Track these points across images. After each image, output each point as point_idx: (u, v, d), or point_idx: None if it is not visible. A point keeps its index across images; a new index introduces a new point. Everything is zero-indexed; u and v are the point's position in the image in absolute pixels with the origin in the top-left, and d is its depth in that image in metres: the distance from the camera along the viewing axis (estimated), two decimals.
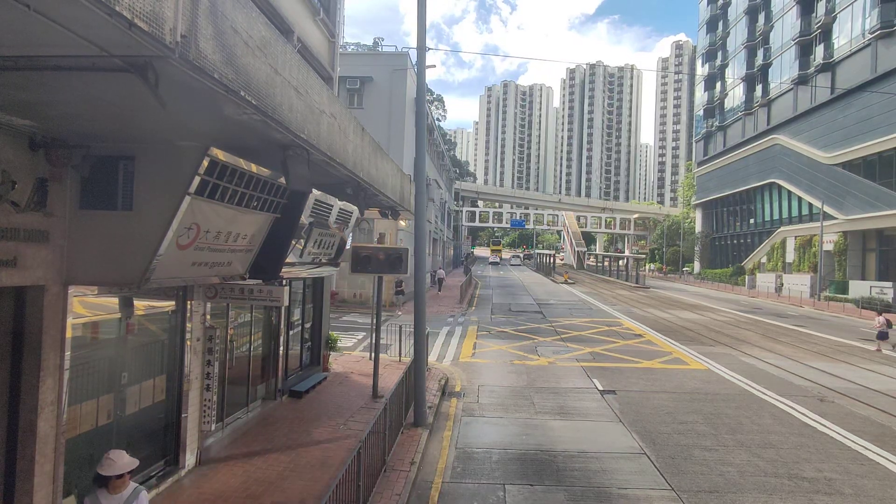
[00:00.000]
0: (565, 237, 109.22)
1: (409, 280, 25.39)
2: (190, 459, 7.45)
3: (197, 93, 3.31)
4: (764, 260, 51.97)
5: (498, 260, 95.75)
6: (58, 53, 2.84)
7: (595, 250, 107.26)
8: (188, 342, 7.25)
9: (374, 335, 11.74)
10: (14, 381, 4.85)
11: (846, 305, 34.97)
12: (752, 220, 57.05)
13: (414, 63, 26.67)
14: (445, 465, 8.30)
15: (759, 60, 56.13)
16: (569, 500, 7.23)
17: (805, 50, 47.98)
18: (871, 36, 38.24)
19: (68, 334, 5.17)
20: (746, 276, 52.96)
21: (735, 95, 62.17)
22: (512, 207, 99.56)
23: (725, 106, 65.10)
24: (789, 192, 48.76)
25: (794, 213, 48.43)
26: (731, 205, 62.04)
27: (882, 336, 19.84)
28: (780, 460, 8.76)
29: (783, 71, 51.19)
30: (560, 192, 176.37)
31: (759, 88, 56.25)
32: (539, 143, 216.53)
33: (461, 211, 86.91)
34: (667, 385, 13.52)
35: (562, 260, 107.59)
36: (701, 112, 72.08)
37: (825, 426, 10.57)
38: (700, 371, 15.23)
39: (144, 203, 4.82)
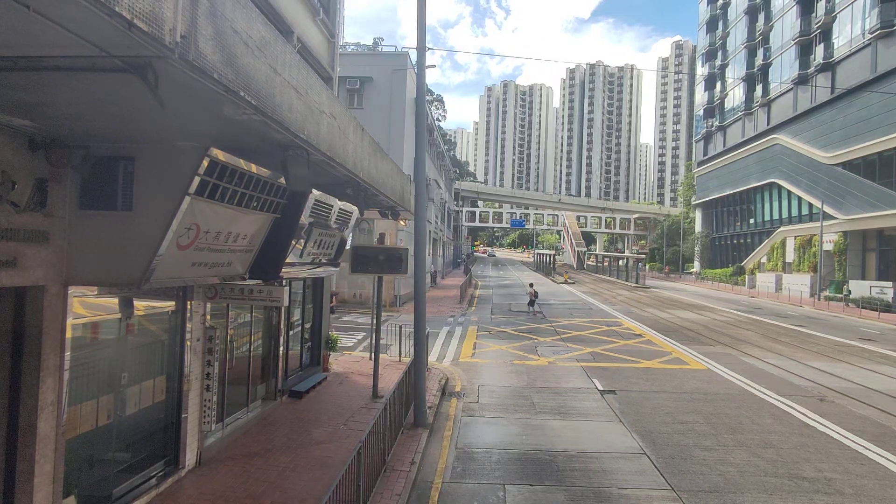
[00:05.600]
0: (565, 237, 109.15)
1: (409, 280, 25.39)
2: (190, 459, 7.45)
3: (197, 93, 3.31)
4: (764, 260, 51.95)
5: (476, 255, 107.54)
6: (58, 54, 2.85)
7: (595, 250, 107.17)
8: (188, 342, 7.25)
9: (374, 335, 11.74)
10: (14, 381, 4.85)
11: (846, 305, 34.97)
12: (752, 220, 57.02)
13: (413, 63, 26.68)
14: (445, 465, 8.30)
15: (759, 60, 56.10)
16: (569, 500, 7.23)
17: (805, 50, 47.96)
18: (870, 36, 38.22)
19: (68, 334, 5.17)
20: (746, 276, 52.93)
21: (735, 95, 62.15)
22: (512, 207, 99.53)
23: (725, 106, 65.08)
24: (789, 192, 48.74)
25: (794, 213, 48.41)
26: (731, 205, 62.02)
27: (531, 304, 28.39)
28: (780, 460, 8.76)
29: (783, 71, 51.17)
30: (560, 192, 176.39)
31: (759, 88, 56.22)
32: (539, 143, 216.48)
33: (461, 211, 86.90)
34: (667, 385, 13.52)
35: (562, 259, 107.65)
36: (701, 112, 72.04)
37: (825, 426, 10.56)
38: (700, 371, 15.23)
39: (144, 203, 4.83)
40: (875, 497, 7.54)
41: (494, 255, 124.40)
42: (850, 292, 36.46)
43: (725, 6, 65.66)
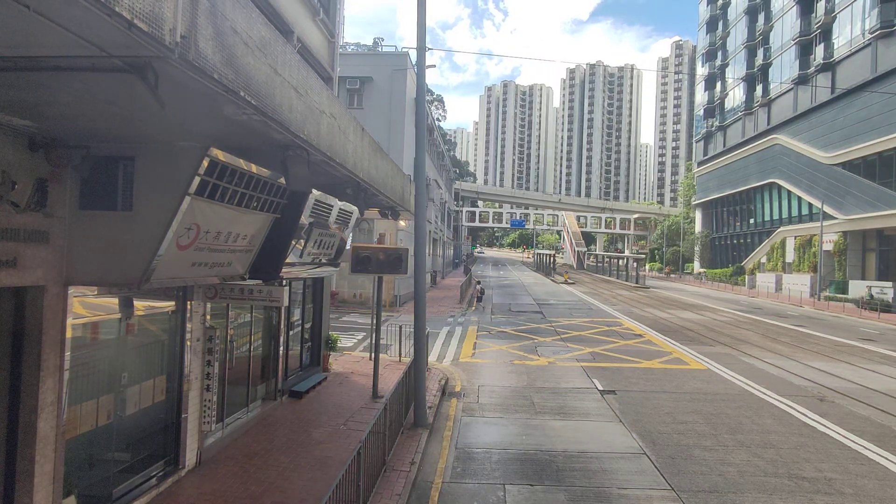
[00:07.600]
0: (565, 237, 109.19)
1: (409, 280, 25.40)
2: (190, 459, 7.45)
3: (197, 93, 3.31)
4: (764, 260, 51.96)
5: None
6: (58, 54, 2.85)
7: (595, 250, 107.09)
8: (188, 342, 7.25)
9: (374, 335, 11.74)
10: (14, 381, 4.85)
11: (846, 305, 34.97)
12: (751, 220, 57.03)
13: (413, 63, 26.67)
14: (445, 465, 8.30)
15: (759, 60, 56.11)
16: (569, 500, 7.23)
17: (805, 50, 47.97)
18: (871, 36, 38.22)
19: (68, 334, 5.17)
20: (746, 276, 52.94)
21: (735, 95, 62.16)
22: (512, 207, 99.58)
23: (725, 106, 65.09)
24: (789, 192, 48.74)
25: (794, 213, 48.41)
26: (731, 205, 62.03)
27: (479, 299, 29.94)
28: (780, 460, 8.76)
29: (783, 71, 51.17)
30: (560, 192, 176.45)
31: (759, 88, 56.23)
32: (539, 143, 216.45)
33: (461, 211, 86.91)
34: (667, 385, 13.51)
35: (562, 259, 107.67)
36: (701, 112, 72.06)
37: (825, 426, 10.56)
38: (700, 371, 15.22)
39: (144, 203, 4.83)
40: (875, 497, 7.54)
41: (483, 254, 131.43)
42: (871, 296, 32.98)
43: (725, 6, 65.67)
